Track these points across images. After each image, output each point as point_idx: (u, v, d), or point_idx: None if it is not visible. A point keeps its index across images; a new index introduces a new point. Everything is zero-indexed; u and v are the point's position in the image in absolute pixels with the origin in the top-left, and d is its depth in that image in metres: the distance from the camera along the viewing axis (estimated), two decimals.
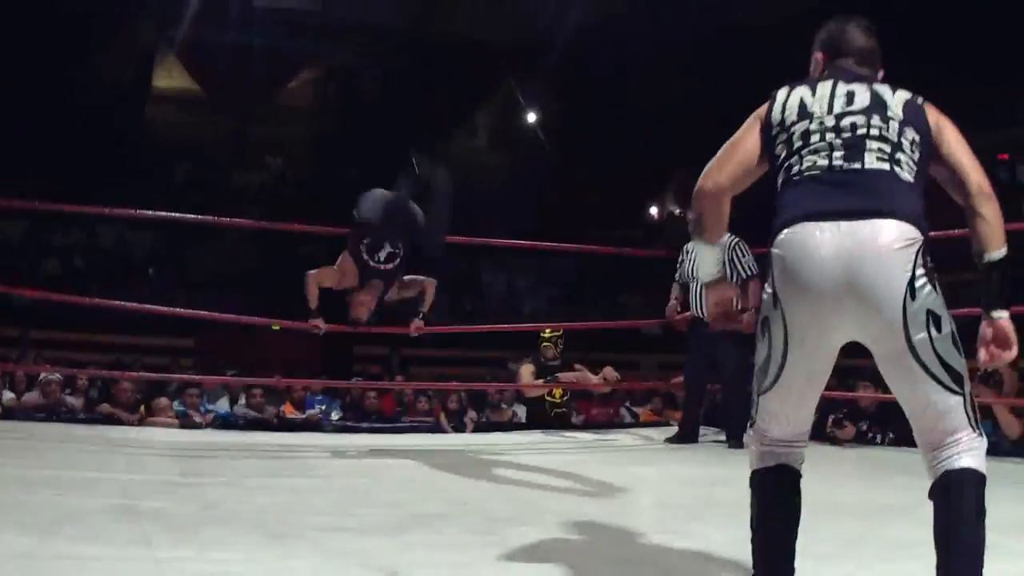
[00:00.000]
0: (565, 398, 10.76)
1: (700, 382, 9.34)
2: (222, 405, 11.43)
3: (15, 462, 6.29)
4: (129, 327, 16.75)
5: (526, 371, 10.85)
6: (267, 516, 4.99)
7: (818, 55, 3.70)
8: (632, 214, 23.43)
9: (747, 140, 3.56)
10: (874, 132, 3.33)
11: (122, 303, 10.61)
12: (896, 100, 3.41)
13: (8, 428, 8.28)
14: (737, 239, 8.79)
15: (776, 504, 3.48)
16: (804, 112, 3.44)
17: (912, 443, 3.32)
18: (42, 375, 10.38)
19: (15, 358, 13.35)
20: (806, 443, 3.54)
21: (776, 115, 3.50)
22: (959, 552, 3.05)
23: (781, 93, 3.54)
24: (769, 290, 3.37)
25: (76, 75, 20.53)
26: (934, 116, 3.43)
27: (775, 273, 3.35)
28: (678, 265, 9.43)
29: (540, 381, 10.56)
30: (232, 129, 23.69)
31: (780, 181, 3.47)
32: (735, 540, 4.01)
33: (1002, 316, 3.21)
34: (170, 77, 23.13)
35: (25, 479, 5.64)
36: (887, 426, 9.11)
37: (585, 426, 11.33)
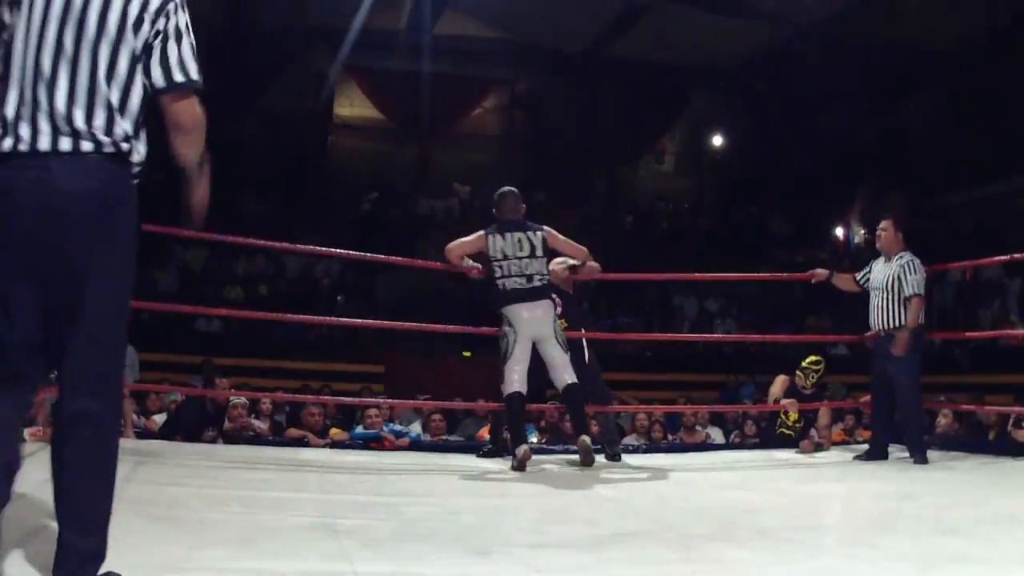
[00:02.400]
0: (799, 424, 10.53)
1: (883, 399, 9.21)
2: (415, 428, 11.34)
3: (202, 482, 6.22)
4: (317, 354, 16.72)
5: (778, 382, 10.78)
6: (466, 532, 4.92)
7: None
8: (818, 235, 22.99)
9: None
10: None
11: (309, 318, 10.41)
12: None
13: (194, 450, 8.20)
14: (911, 257, 9.09)
15: None
16: None
17: None
18: (230, 399, 10.30)
19: (203, 384, 13.31)
20: None
21: None
22: None
23: None
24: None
25: (259, 107, 20.69)
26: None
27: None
28: (864, 273, 9.58)
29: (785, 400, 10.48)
30: (417, 157, 23.65)
31: None
32: (922, 554, 4.34)
33: None
34: (352, 106, 23.19)
35: (214, 498, 5.54)
36: None
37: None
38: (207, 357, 14.80)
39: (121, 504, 3.52)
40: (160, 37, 3.43)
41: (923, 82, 21.12)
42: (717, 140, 25.83)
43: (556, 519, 5.49)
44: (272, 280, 20.04)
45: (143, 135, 3.47)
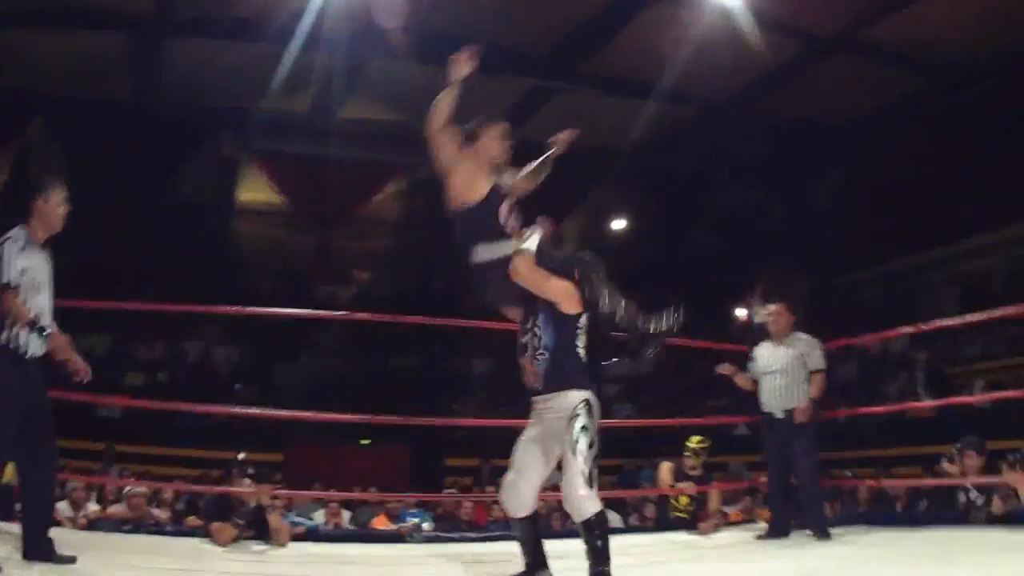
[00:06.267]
0: (690, 507, 10.61)
1: (780, 477, 9.33)
2: (318, 517, 11.34)
3: (97, 568, 6.24)
4: (215, 442, 16.63)
5: (664, 469, 10.95)
6: None
7: None
8: (718, 317, 23.20)
9: None
10: None
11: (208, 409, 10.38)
12: None
13: (94, 540, 8.05)
14: (808, 336, 9.49)
15: None
16: None
17: None
18: (127, 488, 10.22)
19: (100, 470, 13.20)
20: None
21: None
22: None
23: None
24: None
25: (159, 192, 20.60)
26: None
27: None
28: (749, 362, 9.75)
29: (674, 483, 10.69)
30: (317, 242, 23.61)
31: None
32: None
33: None
34: (253, 191, 23.15)
35: None
36: None
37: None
38: (108, 443, 14.73)
39: None
40: None
41: (826, 158, 21.49)
42: (617, 224, 25.95)
43: None
44: (171, 366, 19.94)
45: None
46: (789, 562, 7.55)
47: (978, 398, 14.99)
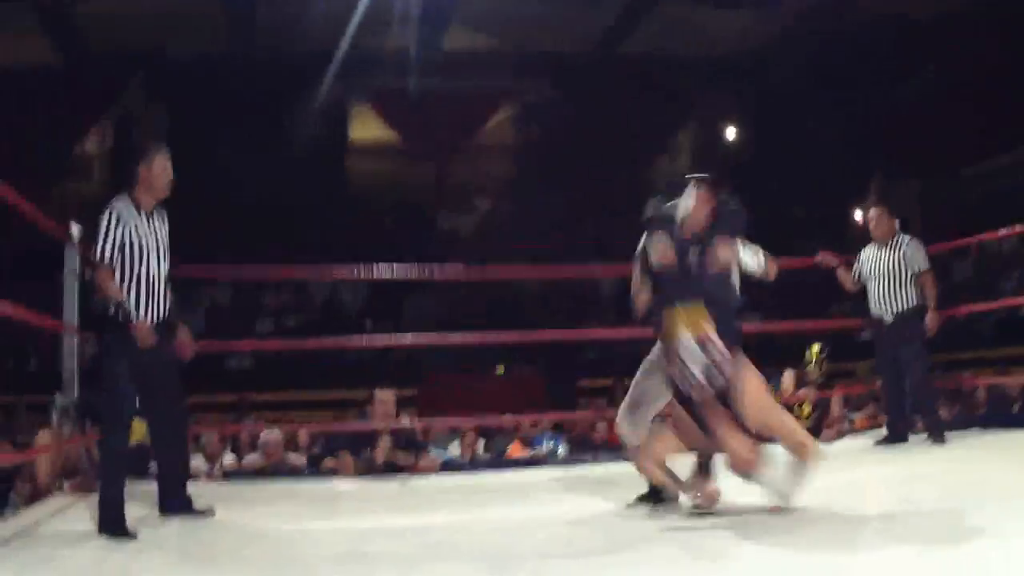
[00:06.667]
0: (813, 415, 10.63)
1: (894, 383, 9.33)
2: (453, 449, 11.26)
3: (235, 517, 6.37)
4: (348, 381, 16.73)
5: (788, 377, 11.01)
6: (489, 548, 5.15)
7: None
8: (835, 221, 22.82)
9: None
10: None
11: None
12: None
13: (230, 491, 8.18)
14: (911, 237, 9.44)
15: None
16: None
17: None
18: (263, 434, 10.27)
19: (233, 421, 13.32)
20: None
21: None
22: None
23: None
24: None
25: (271, 142, 20.64)
26: None
27: None
28: (855, 268, 9.75)
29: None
30: (434, 174, 23.61)
31: None
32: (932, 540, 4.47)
33: None
34: (365, 128, 23.17)
35: (246, 531, 5.83)
36: None
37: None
38: (241, 394, 14.90)
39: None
40: None
41: (920, 56, 20.94)
42: (730, 132, 25.64)
43: (568, 532, 5.60)
44: (299, 311, 20.15)
45: None
46: (900, 467, 7.65)
47: None
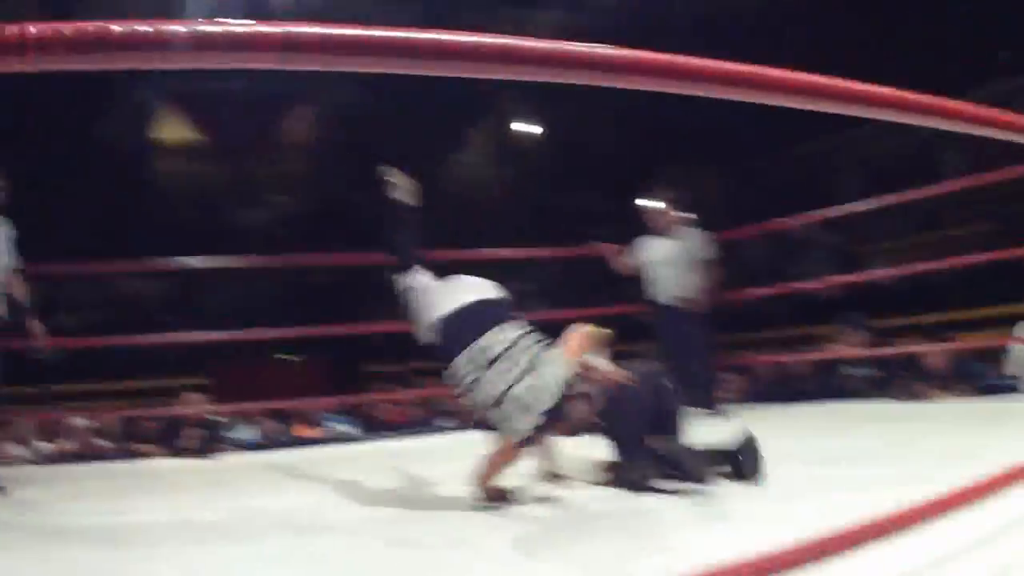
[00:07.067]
0: None
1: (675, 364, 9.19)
2: (245, 433, 11.71)
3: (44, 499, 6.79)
4: (146, 372, 17.29)
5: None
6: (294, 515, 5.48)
7: None
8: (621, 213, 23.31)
9: None
10: None
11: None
12: None
13: (43, 473, 8.69)
14: (695, 229, 9.97)
15: None
16: None
17: None
18: (73, 421, 10.80)
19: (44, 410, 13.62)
20: None
21: None
22: None
23: None
24: None
25: (80, 143, 20.74)
26: None
27: None
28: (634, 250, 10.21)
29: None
30: (232, 172, 24.14)
31: None
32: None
33: None
34: (171, 130, 23.51)
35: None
36: None
37: None
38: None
39: None
40: None
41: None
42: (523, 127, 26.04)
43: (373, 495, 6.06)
44: (103, 305, 20.52)
45: None
46: None
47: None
